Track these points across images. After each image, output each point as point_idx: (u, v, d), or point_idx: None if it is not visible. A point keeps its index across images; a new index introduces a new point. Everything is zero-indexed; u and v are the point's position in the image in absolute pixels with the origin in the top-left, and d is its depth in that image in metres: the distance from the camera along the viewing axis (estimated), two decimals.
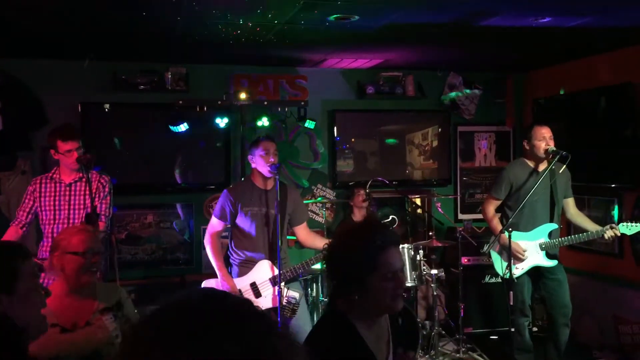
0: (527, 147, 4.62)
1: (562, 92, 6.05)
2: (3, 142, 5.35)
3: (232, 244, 4.34)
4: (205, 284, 4.33)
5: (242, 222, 4.23)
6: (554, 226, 4.62)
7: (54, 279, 2.85)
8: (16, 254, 2.10)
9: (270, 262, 4.18)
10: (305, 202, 5.33)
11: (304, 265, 4.17)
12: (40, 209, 4.14)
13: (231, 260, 4.35)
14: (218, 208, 4.32)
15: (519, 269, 4.51)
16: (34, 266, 2.14)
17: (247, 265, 4.24)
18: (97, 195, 4.07)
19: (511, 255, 4.31)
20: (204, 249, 4.37)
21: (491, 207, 4.71)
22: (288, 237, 4.59)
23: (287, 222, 4.35)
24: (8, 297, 1.98)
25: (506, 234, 4.30)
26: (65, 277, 2.74)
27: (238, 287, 4.20)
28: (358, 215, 5.68)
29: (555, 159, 4.42)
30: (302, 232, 4.40)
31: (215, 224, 4.33)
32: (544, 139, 4.51)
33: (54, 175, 4.17)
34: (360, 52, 5.46)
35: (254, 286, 4.18)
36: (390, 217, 4.35)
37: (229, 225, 4.34)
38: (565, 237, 4.66)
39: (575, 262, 5.74)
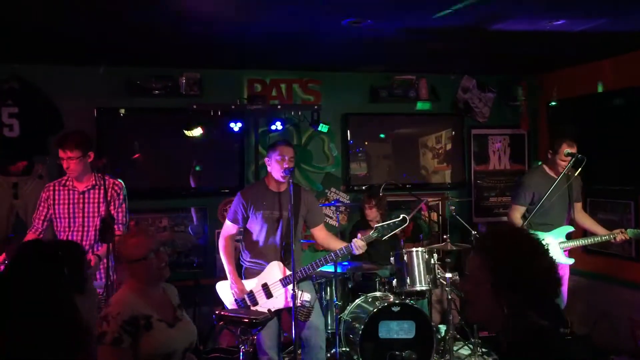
0: (550, 157, 4.81)
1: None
2: (20, 147, 5.41)
3: (244, 246, 4.38)
4: (219, 286, 4.37)
5: (255, 224, 4.27)
6: (570, 228, 4.83)
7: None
8: (80, 253, 2.07)
9: (281, 263, 4.20)
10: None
11: (312, 265, 4.19)
12: (54, 217, 4.15)
13: (242, 262, 4.39)
14: (231, 211, 4.36)
15: None
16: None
17: (258, 267, 4.28)
18: (112, 203, 4.09)
19: None
20: (219, 252, 4.40)
21: (517, 214, 4.89)
22: (303, 240, 4.61)
23: (302, 224, 4.37)
24: (81, 297, 1.95)
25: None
26: (143, 282, 2.73)
27: (249, 289, 4.24)
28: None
29: (571, 162, 4.50)
30: (320, 234, 4.42)
31: (229, 227, 4.37)
32: (567, 161, 4.66)
33: (67, 183, 4.16)
34: (374, 56, 5.46)
35: (265, 287, 4.22)
36: (401, 215, 4.33)
37: (242, 229, 4.36)
38: (582, 239, 4.88)
39: (591, 266, 5.69)
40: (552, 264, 1.80)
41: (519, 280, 1.75)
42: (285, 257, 4.17)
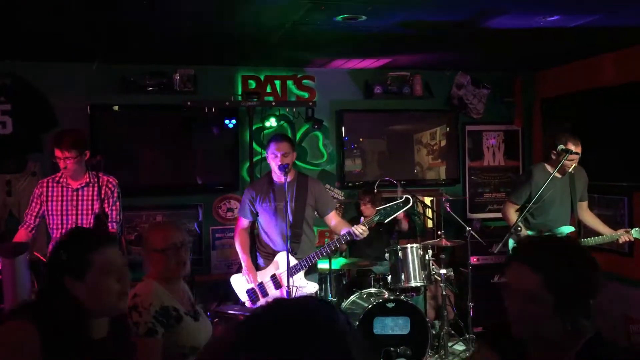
0: (553, 157, 4.65)
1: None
2: (13, 144, 5.38)
3: (257, 237, 4.52)
4: (233, 279, 4.46)
5: (262, 216, 4.38)
6: (570, 229, 4.73)
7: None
8: (92, 242, 2.11)
9: (288, 253, 4.22)
10: None
11: (317, 254, 4.21)
12: (47, 214, 4.12)
13: (257, 253, 4.51)
14: (241, 207, 4.53)
15: None
16: (116, 253, 2.13)
17: (269, 257, 4.39)
18: (106, 201, 4.06)
19: None
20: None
21: (511, 210, 4.81)
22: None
23: (312, 213, 4.43)
24: (79, 283, 2.03)
25: (525, 231, 4.54)
26: (161, 274, 2.70)
27: (260, 280, 4.34)
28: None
29: (565, 157, 4.47)
30: (332, 221, 4.48)
31: (241, 222, 4.53)
32: (573, 160, 4.58)
33: (61, 180, 4.13)
34: (368, 52, 5.46)
35: (274, 278, 4.30)
36: (404, 196, 4.27)
37: (252, 221, 4.48)
38: (583, 240, 4.75)
39: None
40: (600, 272, 1.82)
41: (581, 295, 1.77)
42: (293, 248, 4.20)
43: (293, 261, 4.16)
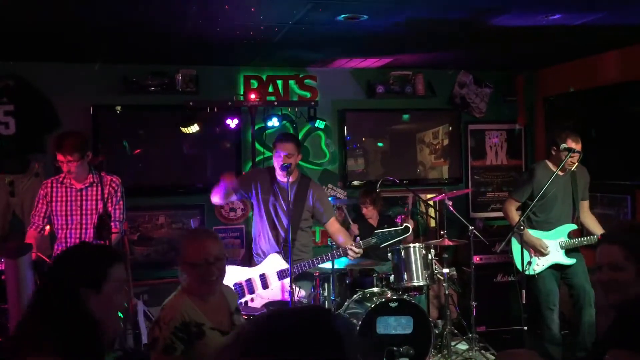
0: (554, 154, 4.67)
1: (571, 90, 6.03)
2: (16, 145, 5.39)
3: (253, 234, 4.50)
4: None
5: (259, 211, 4.36)
6: (573, 226, 4.76)
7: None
8: (107, 256, 2.20)
9: (280, 255, 4.22)
10: None
11: (310, 262, 4.20)
12: (52, 214, 4.15)
13: (253, 250, 4.50)
14: (242, 176, 4.50)
15: (539, 266, 4.65)
16: (123, 271, 2.20)
17: (261, 256, 4.38)
18: (109, 200, 4.08)
19: (530, 251, 4.66)
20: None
21: (512, 207, 4.85)
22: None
23: (310, 217, 4.41)
24: (94, 295, 2.08)
25: (529, 230, 4.60)
26: (194, 285, 2.62)
27: (249, 276, 4.32)
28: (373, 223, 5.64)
29: (568, 156, 4.47)
30: (330, 229, 4.46)
31: (232, 183, 4.38)
32: (574, 158, 4.58)
33: (65, 180, 4.16)
34: (370, 52, 5.45)
35: (262, 277, 4.27)
36: (405, 225, 4.34)
37: (238, 195, 4.43)
38: (584, 237, 4.77)
39: (588, 260, 5.69)
40: None
41: None
42: (285, 251, 4.20)
43: (284, 264, 4.16)
